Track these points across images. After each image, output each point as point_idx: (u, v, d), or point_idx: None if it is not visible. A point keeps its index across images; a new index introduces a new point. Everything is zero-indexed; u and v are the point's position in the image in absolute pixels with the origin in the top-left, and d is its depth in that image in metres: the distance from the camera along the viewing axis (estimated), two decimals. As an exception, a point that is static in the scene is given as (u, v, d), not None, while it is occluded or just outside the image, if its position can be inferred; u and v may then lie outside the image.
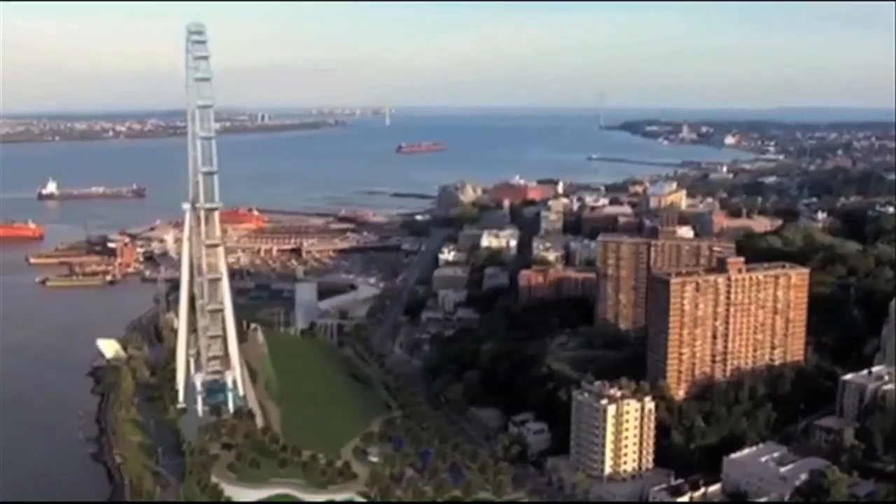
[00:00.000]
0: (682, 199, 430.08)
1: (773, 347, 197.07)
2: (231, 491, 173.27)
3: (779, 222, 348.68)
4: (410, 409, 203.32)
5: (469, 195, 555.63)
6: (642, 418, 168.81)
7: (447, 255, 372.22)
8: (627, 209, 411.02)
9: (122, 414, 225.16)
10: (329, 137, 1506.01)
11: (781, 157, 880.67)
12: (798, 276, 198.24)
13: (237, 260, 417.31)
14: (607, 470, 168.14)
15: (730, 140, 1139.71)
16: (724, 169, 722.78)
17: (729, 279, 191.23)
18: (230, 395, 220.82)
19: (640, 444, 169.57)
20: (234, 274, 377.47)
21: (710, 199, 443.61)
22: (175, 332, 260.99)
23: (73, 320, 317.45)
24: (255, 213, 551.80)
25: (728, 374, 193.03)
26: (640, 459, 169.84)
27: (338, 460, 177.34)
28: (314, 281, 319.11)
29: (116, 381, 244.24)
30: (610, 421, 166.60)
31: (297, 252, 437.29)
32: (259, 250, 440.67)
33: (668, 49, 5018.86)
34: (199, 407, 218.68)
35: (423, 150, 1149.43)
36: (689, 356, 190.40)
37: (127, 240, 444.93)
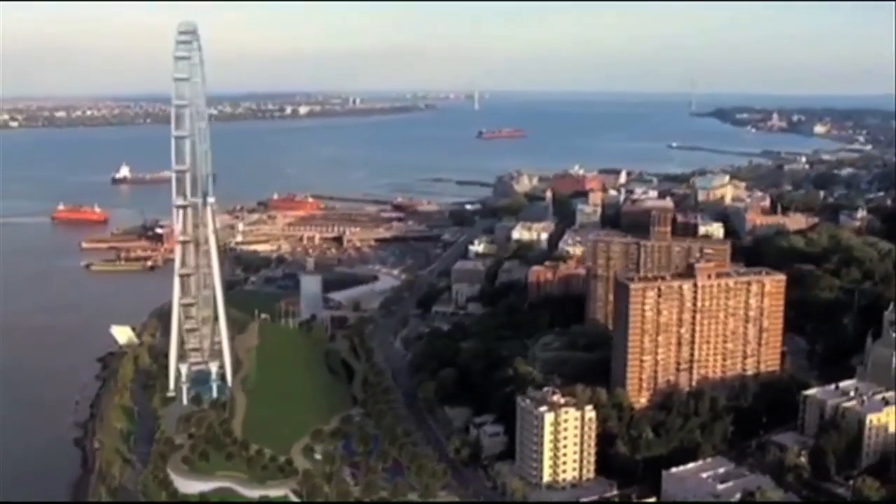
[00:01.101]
0: (728, 193, 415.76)
1: (745, 357, 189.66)
2: (179, 482, 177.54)
3: (815, 220, 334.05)
4: (378, 406, 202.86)
5: (524, 185, 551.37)
6: (582, 427, 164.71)
7: (477, 246, 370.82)
8: (669, 203, 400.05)
9: (115, 400, 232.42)
10: (415, 122, 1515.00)
11: (869, 147, 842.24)
12: (773, 284, 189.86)
13: (278, 247, 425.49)
14: (546, 478, 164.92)
15: (819, 129, 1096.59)
16: (803, 159, 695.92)
17: (695, 285, 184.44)
18: (214, 386, 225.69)
19: (581, 452, 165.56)
20: (269, 262, 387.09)
21: (759, 193, 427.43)
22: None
23: (102, 305, 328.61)
24: (310, 199, 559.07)
25: (694, 383, 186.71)
26: (580, 468, 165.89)
27: (284, 456, 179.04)
28: (319, 273, 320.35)
29: (118, 368, 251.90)
30: (548, 429, 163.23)
31: (338, 240, 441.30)
32: (301, 238, 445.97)
33: (765, 31, 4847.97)
34: (184, 396, 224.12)
35: (503, 137, 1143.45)
36: (651, 363, 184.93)
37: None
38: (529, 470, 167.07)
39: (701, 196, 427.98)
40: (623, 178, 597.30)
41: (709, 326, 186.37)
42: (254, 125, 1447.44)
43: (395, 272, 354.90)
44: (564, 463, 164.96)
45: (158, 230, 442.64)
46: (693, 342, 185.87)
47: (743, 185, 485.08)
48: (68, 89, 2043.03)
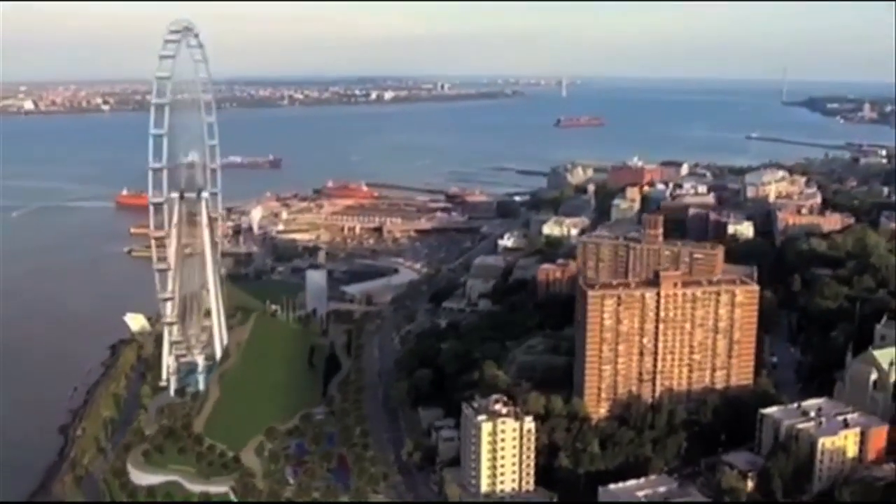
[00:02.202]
0: (772, 190, 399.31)
1: (714, 370, 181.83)
2: (134, 474, 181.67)
3: (850, 221, 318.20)
4: (342, 405, 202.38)
5: (578, 177, 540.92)
6: (521, 438, 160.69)
7: (507, 241, 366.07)
8: (710, 199, 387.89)
9: (110, 388, 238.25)
10: (499, 108, 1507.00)
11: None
12: (745, 294, 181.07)
13: (317, 237, 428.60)
14: (484, 487, 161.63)
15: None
16: (883, 153, 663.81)
17: (659, 294, 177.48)
18: (201, 378, 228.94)
19: (520, 463, 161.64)
20: (304, 251, 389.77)
21: (811, 190, 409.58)
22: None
23: (131, 291, 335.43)
24: (364, 187, 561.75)
25: (658, 394, 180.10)
26: (519, 479, 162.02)
27: (236, 452, 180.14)
28: (325, 267, 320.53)
29: (122, 356, 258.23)
30: (485, 438, 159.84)
31: (378, 231, 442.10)
32: (342, 228, 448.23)
33: (866, 15, 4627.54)
34: (172, 387, 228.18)
35: (581, 125, 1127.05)
36: (610, 373, 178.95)
37: (223, 213, 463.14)
38: (469, 478, 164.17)
39: (750, 192, 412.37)
40: (685, 170, 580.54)
41: (673, 337, 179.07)
42: (338, 110, 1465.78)
43: (418, 265, 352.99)
44: (503, 473, 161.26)
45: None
46: (656, 353, 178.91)
47: (803, 180, 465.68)
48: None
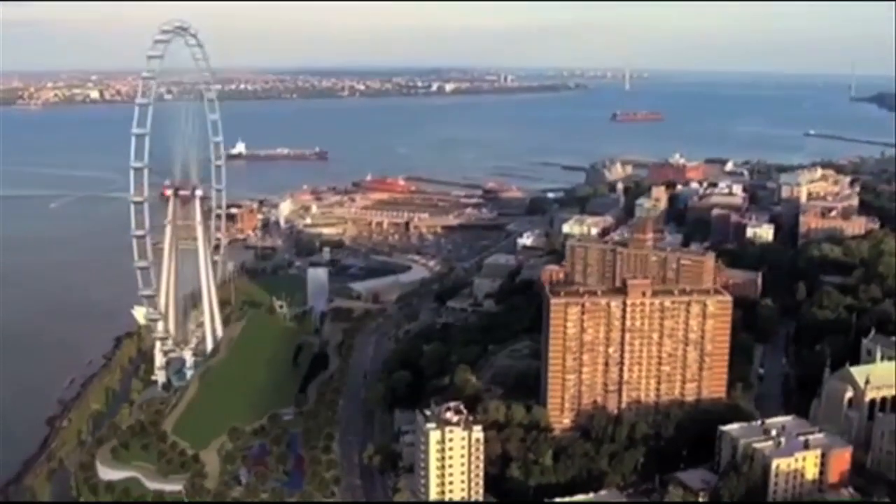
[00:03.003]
0: (804, 191, 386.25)
1: (683, 382, 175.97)
2: (100, 469, 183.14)
3: (874, 225, 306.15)
4: (318, 406, 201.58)
5: (617, 173, 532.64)
6: (469, 447, 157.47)
7: (526, 239, 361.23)
8: (737, 200, 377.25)
9: (104, 381, 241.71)
10: (559, 101, 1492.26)
11: None
12: (717, 305, 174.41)
13: (343, 231, 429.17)
14: (432, 496, 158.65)
15: None
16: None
17: (625, 303, 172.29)
18: (188, 374, 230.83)
19: (469, 473, 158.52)
20: (320, 247, 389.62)
21: (848, 192, 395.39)
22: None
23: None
24: (401, 181, 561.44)
25: (624, 406, 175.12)
26: (468, 489, 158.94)
27: (194, 451, 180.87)
28: (327, 264, 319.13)
29: (122, 349, 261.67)
30: (433, 446, 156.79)
31: (405, 226, 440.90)
32: (370, 222, 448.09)
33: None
34: (159, 382, 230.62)
35: (638, 120, 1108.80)
36: (574, 383, 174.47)
37: (254, 206, 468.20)
38: (420, 486, 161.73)
39: (784, 192, 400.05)
40: (730, 167, 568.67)
41: (640, 347, 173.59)
42: (397, 101, 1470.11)
43: (432, 263, 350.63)
44: (451, 483, 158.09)
45: (233, 210, 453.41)
46: (622, 363, 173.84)
47: (847, 180, 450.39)
48: (229, 61, 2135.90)
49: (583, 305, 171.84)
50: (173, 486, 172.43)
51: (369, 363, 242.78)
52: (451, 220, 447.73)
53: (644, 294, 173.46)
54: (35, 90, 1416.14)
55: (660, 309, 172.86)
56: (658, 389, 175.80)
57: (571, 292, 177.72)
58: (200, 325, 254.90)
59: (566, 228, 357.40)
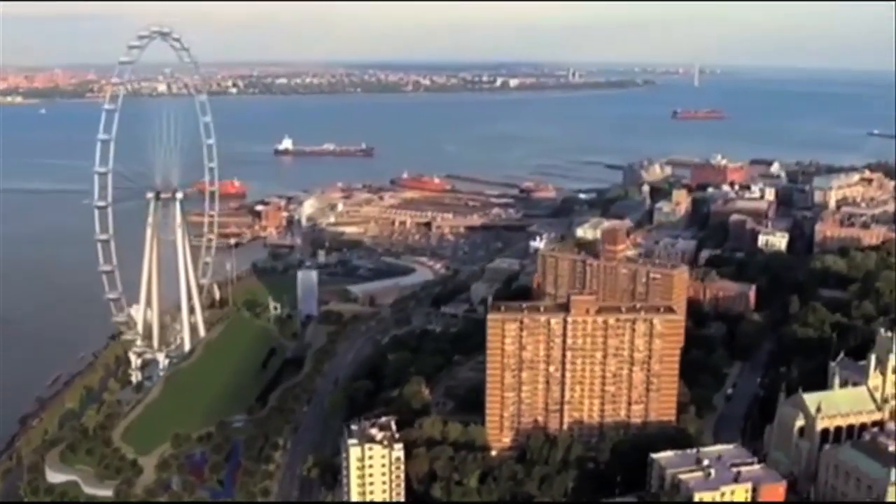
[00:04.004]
0: (832, 197, 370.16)
1: (630, 403, 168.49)
2: (48, 471, 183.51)
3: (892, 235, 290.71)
4: (270, 413, 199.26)
5: (655, 174, 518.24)
6: (390, 465, 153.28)
7: (539, 242, 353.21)
8: (762, 205, 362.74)
9: (85, 380, 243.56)
10: (624, 98, 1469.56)
11: None
12: (665, 324, 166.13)
13: (365, 230, 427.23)
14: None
15: None
16: None
17: (565, 321, 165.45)
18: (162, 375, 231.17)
19: (390, 491, 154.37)
20: (345, 245, 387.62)
21: (885, 197, 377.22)
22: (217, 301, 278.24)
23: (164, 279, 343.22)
24: (436, 180, 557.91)
25: (566, 426, 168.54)
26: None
27: (135, 456, 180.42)
28: (314, 268, 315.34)
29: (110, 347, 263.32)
30: (354, 463, 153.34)
31: (427, 226, 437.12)
32: (393, 221, 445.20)
33: None
34: (133, 381, 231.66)
35: (698, 118, 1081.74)
36: (514, 401, 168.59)
37: (282, 203, 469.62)
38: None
39: (817, 197, 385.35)
40: (776, 168, 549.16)
41: (583, 366, 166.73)
42: (459, 97, 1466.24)
43: (438, 265, 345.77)
44: (372, 500, 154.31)
45: (259, 207, 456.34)
46: (563, 382, 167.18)
47: (893, 184, 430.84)
48: (299, 55, 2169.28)
49: (521, 321, 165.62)
50: (107, 492, 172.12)
51: (346, 369, 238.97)
52: (475, 220, 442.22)
53: (588, 311, 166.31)
54: (106, 83, 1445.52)
55: (603, 327, 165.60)
56: (602, 410, 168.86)
57: (512, 308, 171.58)
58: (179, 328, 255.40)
59: (579, 232, 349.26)
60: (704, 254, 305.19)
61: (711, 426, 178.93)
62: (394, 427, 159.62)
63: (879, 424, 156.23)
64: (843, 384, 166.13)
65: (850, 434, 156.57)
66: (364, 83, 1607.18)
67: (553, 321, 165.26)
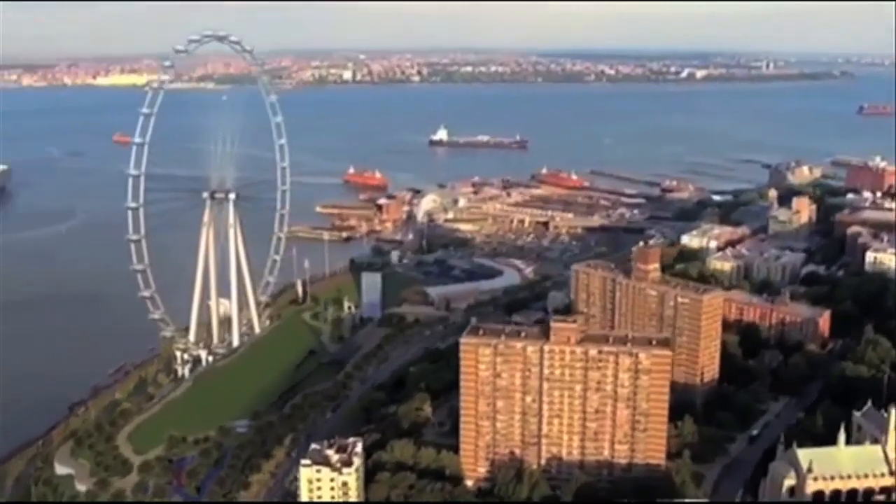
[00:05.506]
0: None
1: (613, 442, 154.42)
2: (56, 464, 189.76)
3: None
4: (277, 421, 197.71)
5: (802, 176, 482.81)
6: (339, 490, 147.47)
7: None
8: (890, 216, 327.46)
9: (142, 372, 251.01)
10: (814, 91, 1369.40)
11: None
12: (652, 359, 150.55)
13: (481, 228, 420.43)
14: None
15: None
16: None
17: (542, 349, 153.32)
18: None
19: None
20: (454, 244, 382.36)
21: None
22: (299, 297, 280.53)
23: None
24: (574, 176, 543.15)
25: (544, 461, 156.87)
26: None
27: (128, 455, 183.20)
28: (433, 265, 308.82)
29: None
30: (305, 485, 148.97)
31: (545, 225, 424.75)
32: (512, 220, 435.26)
33: None
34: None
35: (887, 114, 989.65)
36: (489, 431, 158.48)
37: (407, 196, 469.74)
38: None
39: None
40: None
41: (561, 399, 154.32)
42: (640, 88, 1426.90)
43: (529, 269, 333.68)
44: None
45: (381, 201, 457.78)
46: (541, 414, 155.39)
47: None
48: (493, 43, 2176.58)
49: (496, 347, 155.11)
50: (84, 488, 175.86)
51: (387, 376, 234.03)
52: (594, 221, 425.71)
53: (569, 339, 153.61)
54: (297, 69, 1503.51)
55: (583, 358, 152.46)
56: (583, 447, 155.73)
57: (490, 331, 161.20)
58: (245, 323, 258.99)
59: (684, 239, 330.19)
60: (810, 268, 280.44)
61: (717, 472, 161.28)
62: (359, 448, 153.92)
63: (889, 491, 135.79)
64: (861, 440, 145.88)
65: (853, 500, 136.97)
66: (547, 73, 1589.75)
67: (529, 349, 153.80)
